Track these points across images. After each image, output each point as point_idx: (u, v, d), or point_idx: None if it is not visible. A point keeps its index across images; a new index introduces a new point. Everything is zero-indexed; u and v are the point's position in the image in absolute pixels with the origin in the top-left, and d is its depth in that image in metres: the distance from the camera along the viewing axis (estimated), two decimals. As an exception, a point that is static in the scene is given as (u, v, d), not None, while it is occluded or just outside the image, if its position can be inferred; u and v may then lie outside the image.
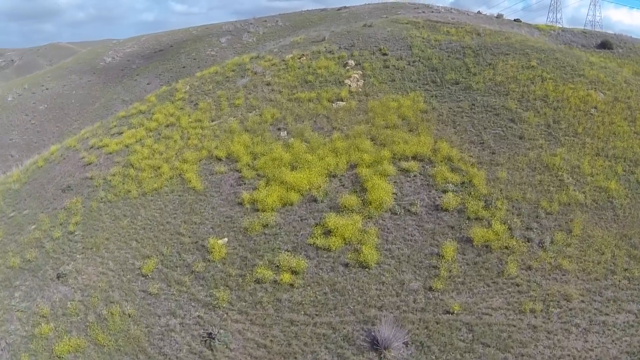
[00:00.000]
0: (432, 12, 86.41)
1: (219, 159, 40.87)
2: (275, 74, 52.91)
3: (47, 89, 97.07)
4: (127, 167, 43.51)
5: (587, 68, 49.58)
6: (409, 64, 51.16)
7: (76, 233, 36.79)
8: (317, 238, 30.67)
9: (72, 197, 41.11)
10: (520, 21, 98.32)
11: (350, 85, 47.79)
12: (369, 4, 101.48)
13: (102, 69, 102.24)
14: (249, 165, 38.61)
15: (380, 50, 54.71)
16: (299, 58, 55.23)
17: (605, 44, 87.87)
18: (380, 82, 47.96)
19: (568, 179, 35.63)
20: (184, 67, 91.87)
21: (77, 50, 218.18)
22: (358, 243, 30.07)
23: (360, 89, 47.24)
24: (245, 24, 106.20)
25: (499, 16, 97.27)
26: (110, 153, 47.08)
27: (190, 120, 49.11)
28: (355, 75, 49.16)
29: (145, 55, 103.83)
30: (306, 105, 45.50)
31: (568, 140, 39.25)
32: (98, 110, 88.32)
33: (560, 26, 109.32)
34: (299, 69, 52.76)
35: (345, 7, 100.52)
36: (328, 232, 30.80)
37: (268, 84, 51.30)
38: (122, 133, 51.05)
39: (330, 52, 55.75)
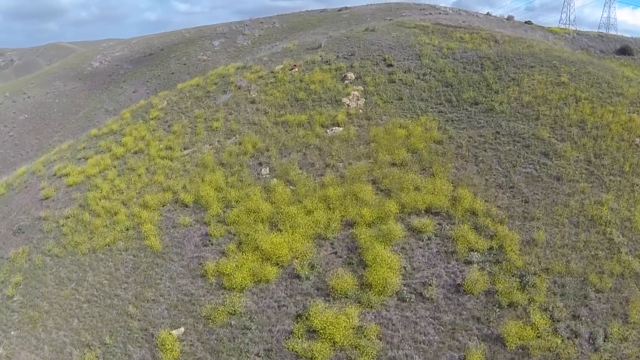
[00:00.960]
0: (440, 13, 77.04)
1: (185, 205, 32.21)
2: (262, 89, 43.98)
3: (29, 97, 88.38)
4: (82, 209, 35.81)
5: (624, 85, 40.39)
6: (419, 78, 42.09)
7: (15, 299, 29.86)
8: (298, 340, 21.91)
9: (20, 244, 34.44)
10: (532, 23, 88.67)
11: (349, 105, 38.82)
12: (370, 4, 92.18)
13: (88, 75, 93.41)
14: (218, 218, 29.88)
15: (384, 60, 45.66)
16: (290, 69, 46.25)
17: (625, 50, 78.64)
18: (384, 102, 38.93)
19: (618, 237, 26.76)
20: (172, 73, 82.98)
21: (77, 50, 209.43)
22: (353, 349, 21.14)
23: (360, 110, 38.26)
24: (240, 26, 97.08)
25: (510, 18, 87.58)
26: (70, 185, 39.65)
27: (160, 147, 40.57)
28: (355, 92, 40.14)
29: (134, 60, 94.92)
30: (295, 131, 36.61)
31: (614, 181, 30.30)
32: (80, 121, 79.62)
33: (574, 28, 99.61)
34: (289, 83, 43.79)
35: (346, 8, 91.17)
36: (313, 332, 21.95)
37: (253, 102, 42.42)
38: (88, 158, 43.08)
39: (327, 62, 46.72)
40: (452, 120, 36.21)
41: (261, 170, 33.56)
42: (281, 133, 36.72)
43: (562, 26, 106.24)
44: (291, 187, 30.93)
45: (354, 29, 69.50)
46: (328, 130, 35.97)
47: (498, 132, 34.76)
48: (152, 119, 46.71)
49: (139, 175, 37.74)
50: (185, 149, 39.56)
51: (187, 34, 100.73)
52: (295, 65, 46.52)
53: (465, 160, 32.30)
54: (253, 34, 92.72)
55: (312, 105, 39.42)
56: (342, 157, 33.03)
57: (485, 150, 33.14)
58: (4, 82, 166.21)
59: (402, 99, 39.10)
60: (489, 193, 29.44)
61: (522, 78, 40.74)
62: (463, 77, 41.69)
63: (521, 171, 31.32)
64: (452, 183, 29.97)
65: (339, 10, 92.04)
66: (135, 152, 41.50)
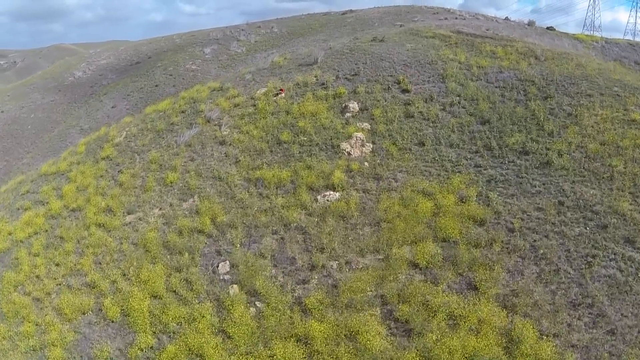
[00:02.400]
0: (456, 18, 64.50)
1: (110, 320, 20.64)
2: (236, 123, 32.14)
3: (2, 111, 76.93)
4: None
5: None
6: (445, 110, 30.20)
7: None
8: None
9: None
10: (554, 29, 75.59)
11: (349, 154, 26.93)
12: (377, 7, 79.61)
13: (69, 86, 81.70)
14: (148, 356, 18.07)
15: (398, 83, 33.67)
16: (275, 95, 34.32)
17: (666, 61, 65.95)
18: (400, 149, 26.97)
19: None
20: (156, 85, 71.08)
21: (80, 52, 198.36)
22: None
23: (366, 163, 26.33)
24: (235, 31, 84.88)
25: (531, 23, 74.26)
26: (-12, 257, 28.42)
27: (101, 206, 29.49)
28: (359, 134, 28.18)
29: (120, 69, 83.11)
30: (272, 197, 24.80)
31: None
32: (53, 141, 68.17)
33: (600, 35, 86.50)
34: (271, 115, 31.87)
35: (350, 11, 78.74)
36: None
37: (222, 143, 30.66)
38: (26, 209, 32.35)
39: (323, 85, 34.73)
40: (495, 182, 24.21)
41: (219, 266, 21.85)
42: (253, 199, 24.88)
43: (586, 32, 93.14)
44: (257, 304, 19.12)
45: (360, 36, 57.20)
46: (319, 197, 24.07)
47: (561, 203, 22.85)
48: (103, 158, 35.28)
49: (67, 252, 26.61)
50: (129, 213, 27.99)
51: (178, 39, 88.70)
52: (281, 90, 34.55)
53: (521, 257, 20.40)
54: (249, 40, 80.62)
55: (299, 153, 27.48)
56: (337, 249, 21.14)
57: (546, 236, 21.25)
58: (5, 84, 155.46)
59: (424, 145, 27.04)
60: (559, 320, 17.66)
61: (580, 113, 28.75)
62: (503, 109, 29.64)
63: (600, 274, 19.64)
64: (504, 306, 18.01)
65: (343, 13, 79.65)
66: (73, 210, 30.40)
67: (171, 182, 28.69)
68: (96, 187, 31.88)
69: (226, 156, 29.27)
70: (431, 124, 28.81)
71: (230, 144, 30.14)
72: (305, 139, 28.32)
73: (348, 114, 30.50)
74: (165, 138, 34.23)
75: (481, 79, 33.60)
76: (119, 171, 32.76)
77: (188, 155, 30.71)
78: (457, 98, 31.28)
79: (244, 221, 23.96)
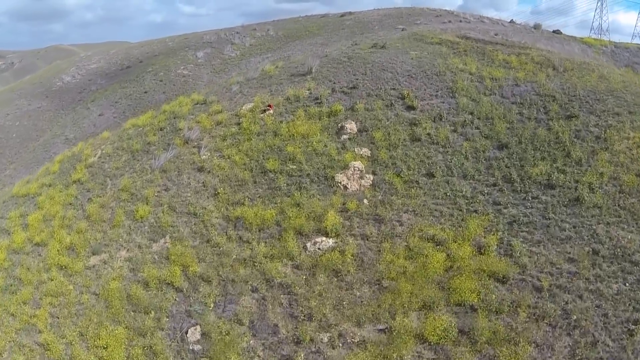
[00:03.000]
0: (461, 21, 60.25)
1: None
2: (218, 145, 28.13)
3: (-15, 119, 72.90)
4: None
5: None
6: (456, 131, 26.19)
7: None
8: None
9: None
10: (561, 32, 71.18)
11: (346, 188, 22.92)
12: (377, 9, 75.27)
13: (57, 92, 77.67)
14: None
15: (402, 98, 29.68)
16: (263, 112, 30.30)
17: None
18: (405, 182, 22.95)
19: None
20: (146, 92, 67.00)
21: (78, 53, 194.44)
22: None
23: (366, 200, 22.35)
24: (230, 33, 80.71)
25: (537, 26, 69.89)
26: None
27: (65, 243, 25.66)
28: (357, 163, 24.14)
29: (110, 74, 79.03)
30: (254, 243, 20.67)
31: None
32: (37, 151, 64.16)
33: (608, 39, 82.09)
34: (257, 137, 27.87)
35: (349, 13, 74.47)
36: None
37: (201, 169, 26.63)
38: None
39: (317, 100, 30.75)
40: (518, 225, 20.21)
41: (188, 332, 17.90)
42: (231, 244, 20.92)
43: (594, 36, 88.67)
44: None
45: (359, 41, 53.14)
46: (309, 245, 20.05)
47: (596, 252, 18.88)
48: (74, 181, 31.51)
49: (23, 301, 22.74)
50: (93, 253, 24.07)
51: (171, 42, 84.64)
52: (269, 106, 30.53)
53: (551, 325, 16.46)
54: (243, 44, 76.48)
55: (287, 186, 23.46)
56: (329, 315, 17.17)
57: (580, 297, 17.32)
58: (3, 85, 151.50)
59: (433, 176, 23.01)
60: None
61: (610, 136, 24.75)
62: (523, 131, 25.64)
63: (650, 347, 15.52)
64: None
65: (342, 15, 75.41)
66: (37, 245, 26.51)
67: (141, 217, 24.71)
68: (63, 217, 27.99)
69: (204, 186, 25.25)
70: (441, 149, 24.75)
71: (209, 171, 26.12)
72: (294, 167, 24.28)
73: (345, 136, 26.45)
74: (140, 160, 30.27)
75: (495, 93, 29.58)
76: (88, 199, 28.88)
77: (162, 184, 26.72)
78: (470, 116, 27.26)
79: (220, 273, 19.97)
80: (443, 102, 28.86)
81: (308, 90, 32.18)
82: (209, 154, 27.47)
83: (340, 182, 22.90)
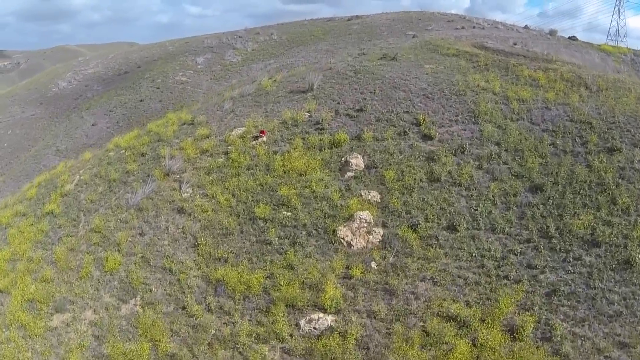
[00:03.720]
0: (474, 27, 55.73)
1: None
2: (201, 180, 24.17)
3: (-23, 127, 69.38)
4: None
5: None
6: (481, 168, 22.12)
7: None
8: None
9: None
10: (577, 39, 66.58)
11: (351, 245, 18.95)
12: (386, 12, 70.98)
13: (52, 98, 74.00)
14: None
15: (417, 124, 25.70)
16: (254, 139, 26.28)
17: None
18: (422, 238, 18.91)
19: None
20: (141, 100, 63.16)
21: (84, 53, 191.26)
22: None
23: (373, 264, 18.31)
24: (232, 37, 76.67)
25: (553, 33, 65.24)
26: None
27: (27, 295, 22.03)
28: (364, 213, 20.00)
29: (107, 79, 75.30)
30: (237, 319, 16.71)
31: None
32: (27, 163, 60.54)
33: (626, 46, 77.27)
34: (247, 171, 23.86)
35: (356, 17, 70.19)
36: None
37: (180, 211, 22.71)
38: None
39: (317, 125, 26.79)
40: (558, 297, 16.23)
41: None
42: (210, 317, 16.90)
43: (610, 43, 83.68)
44: None
45: (366, 48, 49.03)
46: (303, 323, 16.10)
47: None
48: (47, 213, 27.86)
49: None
50: (57, 310, 20.28)
51: (171, 47, 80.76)
52: (262, 132, 26.52)
53: None
54: (245, 48, 72.44)
55: (279, 241, 19.45)
56: None
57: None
58: (10, 85, 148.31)
59: (456, 230, 18.93)
60: None
61: (663, 174, 20.59)
62: (559, 169, 21.59)
63: None
64: None
65: (349, 19, 71.21)
66: (0, 292, 22.47)
67: (112, 269, 20.85)
68: (30, 260, 24.17)
69: (183, 233, 21.31)
70: (464, 192, 20.65)
71: (190, 214, 22.17)
72: (288, 215, 20.24)
73: (349, 173, 22.40)
74: (117, 193, 26.38)
75: (523, 119, 25.49)
76: (58, 238, 25.10)
77: (137, 226, 22.81)
78: (496, 148, 23.15)
79: (195, 353, 16.04)
80: (464, 130, 24.76)
81: (308, 112, 28.19)
82: (191, 191, 23.52)
83: (344, 238, 18.84)
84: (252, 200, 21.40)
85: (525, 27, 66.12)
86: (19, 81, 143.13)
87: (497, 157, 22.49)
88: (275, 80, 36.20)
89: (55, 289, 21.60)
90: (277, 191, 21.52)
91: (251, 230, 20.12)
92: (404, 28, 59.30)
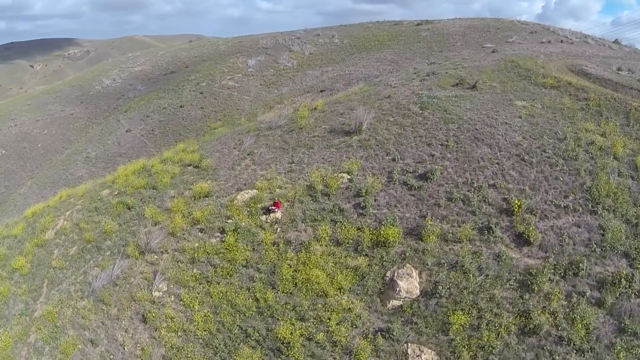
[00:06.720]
0: (562, 41, 45.40)
1: None
2: (180, 275, 17.06)
3: (15, 124, 65.63)
4: None
5: None
6: (603, 306, 13.61)
7: None
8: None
9: None
10: None
11: None
12: (459, 18, 61.37)
13: (93, 97, 69.40)
14: None
15: (509, 211, 17.50)
16: (265, 213, 18.61)
17: None
18: None
19: None
20: (181, 106, 57.06)
21: (152, 44, 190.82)
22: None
23: None
24: (290, 38, 69.44)
25: None
26: None
27: None
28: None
29: (152, 78, 70.00)
30: None
31: None
32: (55, 169, 55.99)
33: None
34: (243, 269, 16.37)
35: (426, 22, 61.00)
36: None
37: (145, 320, 15.52)
38: None
39: (358, 198, 19.29)
40: None
41: None
42: None
43: None
44: None
45: (437, 63, 40.53)
46: None
47: None
48: (16, 269, 22.64)
49: None
50: None
51: (223, 46, 74.57)
52: (276, 204, 18.80)
53: None
54: (302, 52, 64.91)
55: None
56: None
57: None
58: (77, 71, 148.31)
59: None
60: None
61: None
62: None
63: None
64: None
65: (418, 24, 62.23)
66: None
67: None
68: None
69: (140, 359, 14.11)
70: (575, 356, 12.27)
71: (155, 330, 15.01)
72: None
73: (395, 302, 14.63)
74: (87, 263, 19.79)
75: (665, 208, 16.63)
76: (13, 315, 18.92)
77: (92, 328, 16.01)
78: (627, 264, 14.54)
79: None
80: (579, 227, 16.21)
81: (348, 174, 20.30)
82: (164, 290, 16.35)
83: None
84: (239, 331, 13.87)
85: (616, 41, 54.96)
86: (87, 68, 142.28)
87: (627, 285, 13.89)
88: (315, 109, 28.52)
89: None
90: (275, 327, 13.78)
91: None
92: (480, 38, 50.06)
